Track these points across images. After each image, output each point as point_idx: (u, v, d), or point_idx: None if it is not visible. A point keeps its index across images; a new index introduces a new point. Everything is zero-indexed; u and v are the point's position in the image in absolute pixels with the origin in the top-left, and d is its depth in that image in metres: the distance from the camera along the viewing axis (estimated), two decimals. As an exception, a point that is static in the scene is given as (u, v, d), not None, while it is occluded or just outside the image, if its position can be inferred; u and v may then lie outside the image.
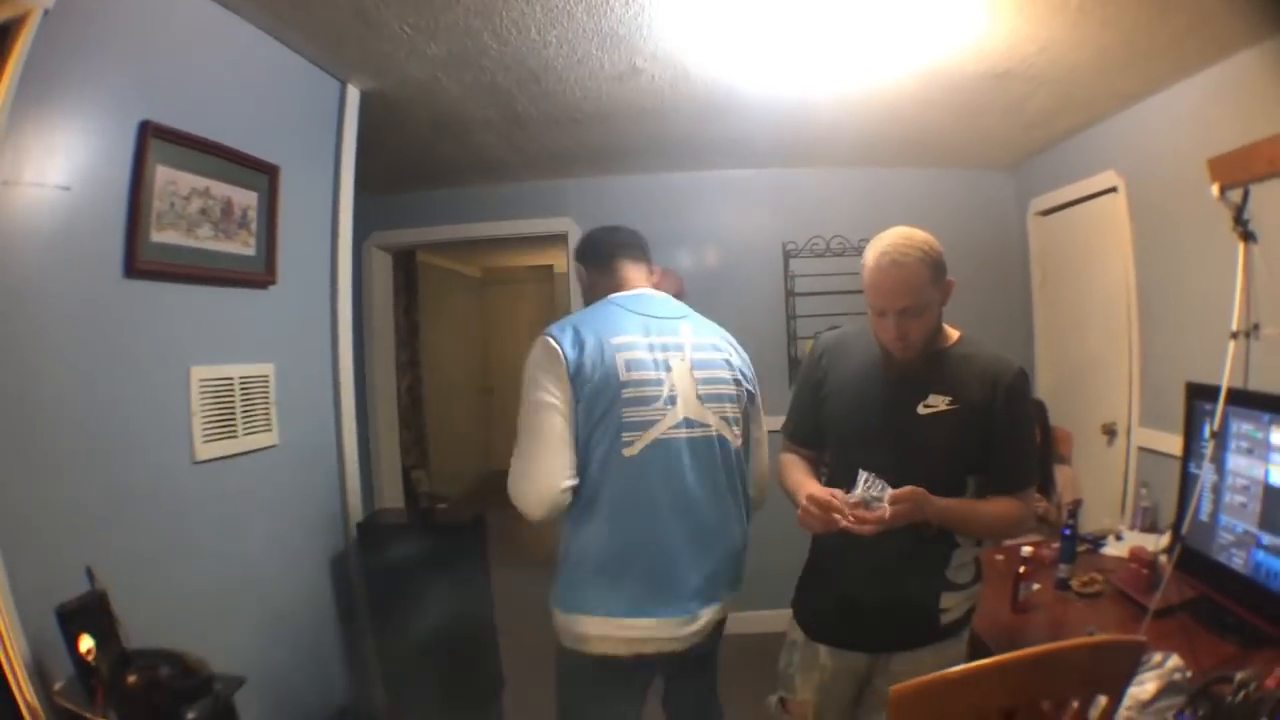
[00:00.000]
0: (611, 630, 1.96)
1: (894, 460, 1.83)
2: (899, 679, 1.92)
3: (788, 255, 4.57)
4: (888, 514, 1.71)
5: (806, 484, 1.96)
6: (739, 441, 2.14)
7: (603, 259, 2.26)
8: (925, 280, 1.79)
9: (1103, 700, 1.54)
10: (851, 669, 2.01)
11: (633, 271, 2.23)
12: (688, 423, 2.02)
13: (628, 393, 1.95)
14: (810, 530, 1.86)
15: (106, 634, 1.68)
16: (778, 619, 2.21)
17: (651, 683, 2.18)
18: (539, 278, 9.28)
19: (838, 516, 1.75)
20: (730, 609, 2.13)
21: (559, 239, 4.86)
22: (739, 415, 2.14)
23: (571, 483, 1.94)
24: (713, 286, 4.53)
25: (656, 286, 2.26)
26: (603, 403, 1.94)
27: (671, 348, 2.05)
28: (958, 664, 1.97)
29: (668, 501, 1.98)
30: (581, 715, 2.11)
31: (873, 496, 1.74)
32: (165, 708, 1.63)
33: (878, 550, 1.83)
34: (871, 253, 1.83)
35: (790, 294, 4.57)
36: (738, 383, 2.15)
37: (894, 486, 1.75)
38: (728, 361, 2.15)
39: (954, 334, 1.97)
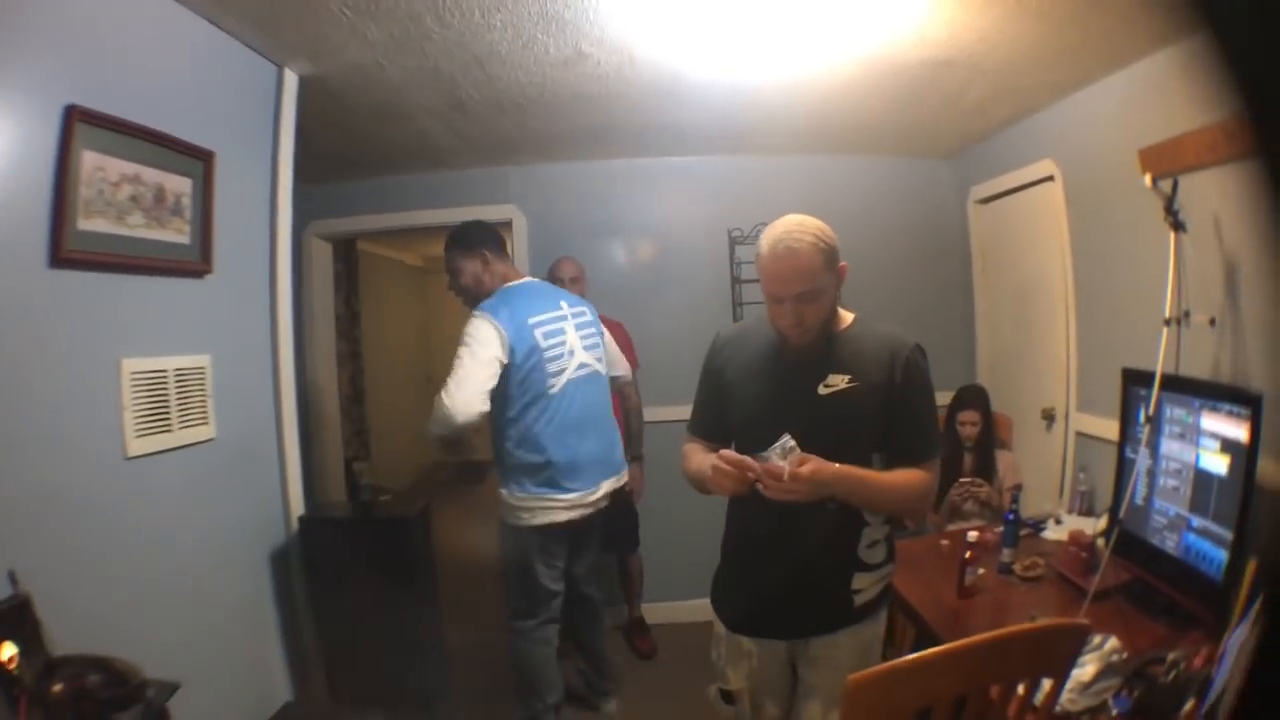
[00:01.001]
0: (547, 504, 2.92)
1: (798, 442, 1.84)
2: (817, 663, 1.97)
3: (733, 242, 4.56)
4: (786, 472, 1.71)
5: (712, 456, 1.92)
6: (606, 371, 3.22)
7: (498, 250, 3.15)
8: (819, 266, 1.81)
9: (1048, 683, 1.57)
10: (774, 655, 2.04)
11: (508, 263, 3.20)
12: (582, 365, 3.04)
13: (546, 353, 2.92)
14: (722, 491, 1.84)
15: (30, 641, 1.61)
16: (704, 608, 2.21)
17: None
18: (482, 266, 9.17)
19: (750, 475, 1.75)
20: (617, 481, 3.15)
21: (503, 227, 4.79)
22: (603, 354, 3.20)
23: (485, 408, 2.79)
24: (659, 274, 4.52)
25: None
26: (530, 363, 2.89)
27: (561, 318, 3.04)
28: (876, 646, 2.02)
29: (580, 416, 2.99)
30: (527, 569, 2.97)
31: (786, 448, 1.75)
32: (94, 717, 1.57)
33: (788, 533, 1.88)
34: (765, 241, 1.84)
35: (736, 280, 4.56)
36: (600, 334, 3.23)
37: None
38: (592, 321, 3.20)
39: (848, 317, 2.00)
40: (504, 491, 2.96)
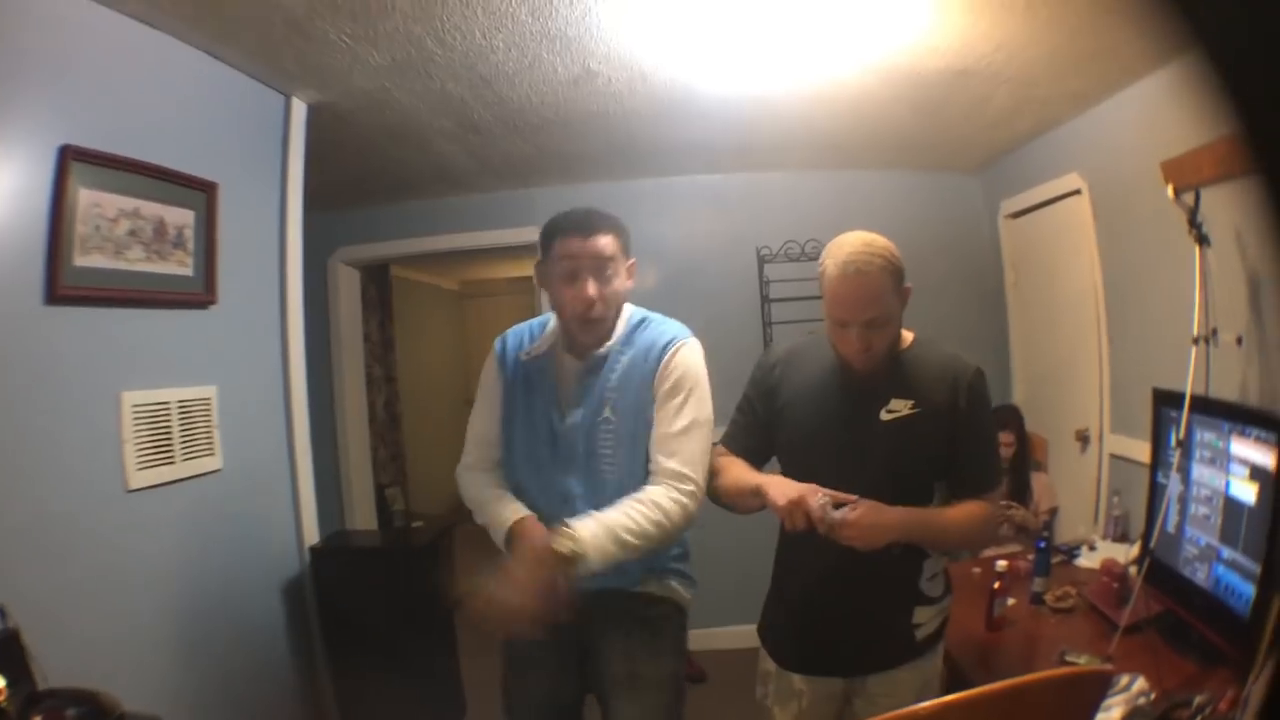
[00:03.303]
0: None
1: (858, 470, 1.76)
2: (877, 700, 1.86)
3: (762, 260, 4.49)
4: (849, 517, 1.63)
5: (763, 477, 1.84)
6: None
7: None
8: (889, 290, 1.72)
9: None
10: (829, 694, 1.93)
11: None
12: None
13: None
14: (791, 525, 1.72)
15: (18, 673, 1.61)
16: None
17: None
18: (518, 289, 9.16)
19: (820, 526, 1.67)
20: None
21: (532, 249, 4.78)
22: None
23: None
24: (687, 294, 4.46)
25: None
26: None
27: None
28: (935, 681, 1.91)
29: None
30: None
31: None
32: (71, 749, 1.55)
33: (849, 568, 1.76)
34: (832, 262, 1.74)
35: (765, 300, 4.49)
36: None
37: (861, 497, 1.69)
38: None
39: (909, 335, 1.90)
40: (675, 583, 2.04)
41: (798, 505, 1.67)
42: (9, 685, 1.55)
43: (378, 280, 6.04)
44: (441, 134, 3.51)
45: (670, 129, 3.62)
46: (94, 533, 2.02)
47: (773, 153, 4.22)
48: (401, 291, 6.85)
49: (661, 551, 1.87)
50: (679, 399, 1.85)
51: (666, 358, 1.88)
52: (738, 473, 1.91)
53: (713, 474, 1.93)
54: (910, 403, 1.80)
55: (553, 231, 1.89)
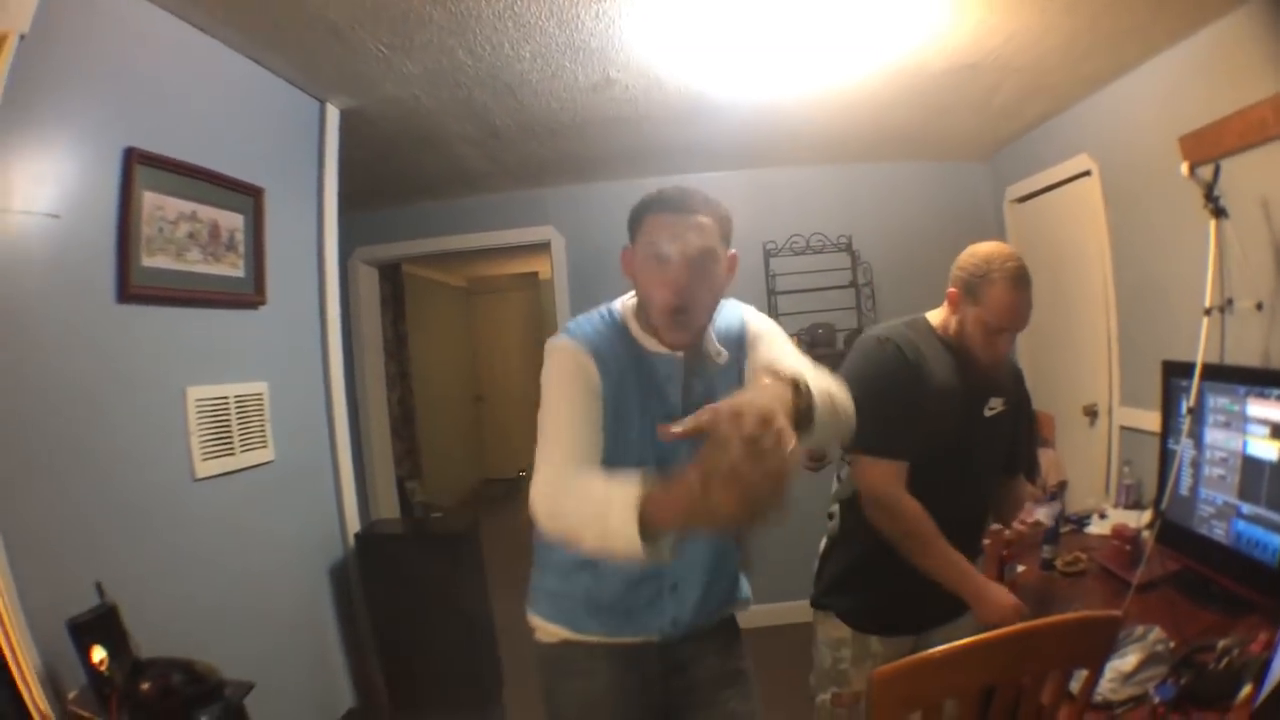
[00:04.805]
0: None
1: (966, 467, 1.94)
2: None
3: (768, 255, 4.62)
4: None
5: (982, 579, 1.90)
6: None
7: None
8: None
9: (1084, 673, 1.60)
10: (900, 652, 1.99)
11: None
12: None
13: None
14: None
15: (118, 645, 1.74)
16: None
17: None
18: (524, 285, 9.33)
19: None
20: None
21: (542, 247, 4.92)
22: None
23: None
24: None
25: None
26: None
27: None
28: (982, 628, 2.03)
29: None
30: None
31: None
32: (178, 713, 1.70)
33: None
34: (998, 272, 1.89)
35: (772, 293, 4.62)
36: None
37: (962, 493, 1.94)
38: None
39: None
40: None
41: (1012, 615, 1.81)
42: (110, 656, 1.70)
43: (391, 279, 6.16)
44: (462, 138, 3.64)
45: (682, 131, 3.75)
46: (168, 519, 2.16)
47: (779, 150, 4.34)
48: (412, 289, 6.97)
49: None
50: (779, 338, 1.68)
51: (747, 314, 1.74)
52: (955, 558, 1.92)
53: (908, 525, 1.91)
54: (1002, 400, 2.00)
55: (645, 208, 1.58)
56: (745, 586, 1.85)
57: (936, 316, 2.08)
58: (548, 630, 1.74)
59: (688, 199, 1.55)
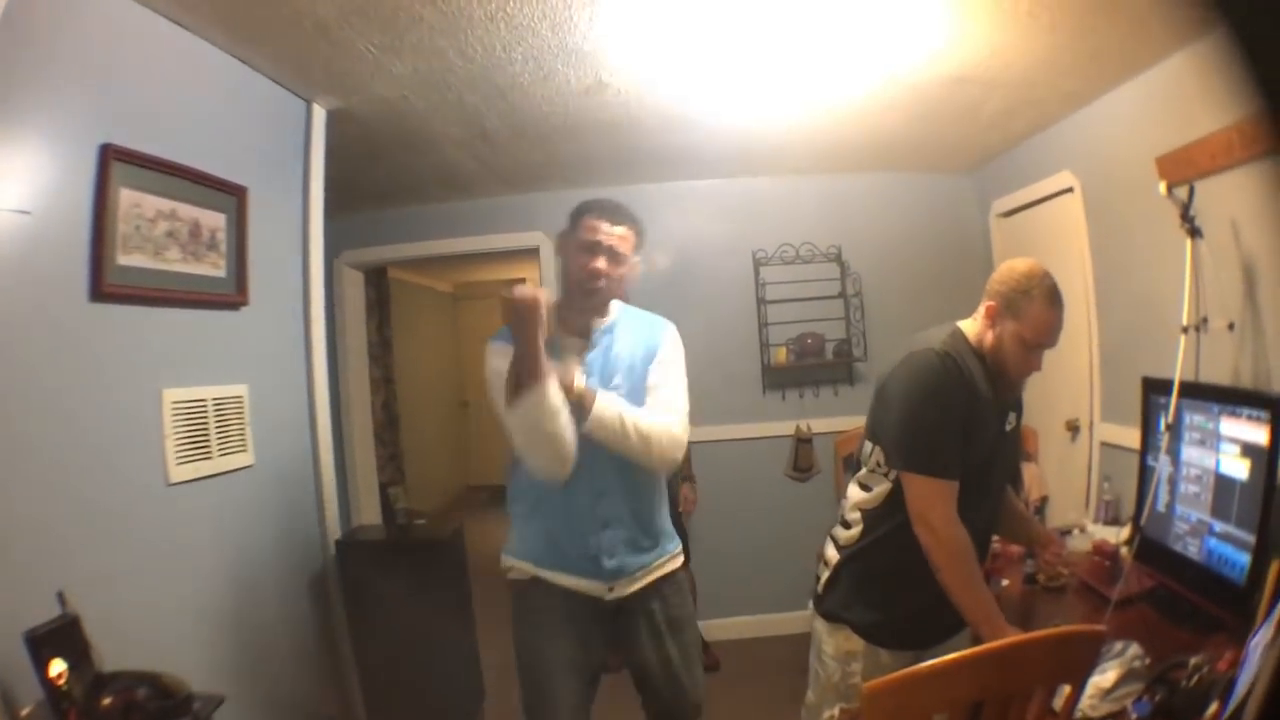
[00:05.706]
0: None
1: (988, 479, 1.97)
2: None
3: (758, 263, 4.60)
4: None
5: (1005, 625, 1.87)
6: None
7: None
8: None
9: (1066, 689, 1.59)
10: (906, 663, 2.03)
11: None
12: None
13: None
14: None
15: (79, 657, 1.67)
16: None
17: None
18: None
19: None
20: None
21: (531, 253, 4.87)
22: None
23: None
24: (685, 296, 4.54)
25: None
26: None
27: None
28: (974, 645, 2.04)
29: None
30: None
31: None
32: (143, 728, 1.63)
33: None
34: (1037, 289, 1.92)
35: (761, 302, 4.60)
36: None
37: (982, 507, 1.98)
38: None
39: None
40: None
41: None
42: (70, 669, 1.62)
43: (376, 283, 6.11)
44: (452, 141, 3.60)
45: (673, 136, 3.72)
46: (139, 524, 2.10)
47: (770, 159, 4.32)
48: (398, 294, 6.92)
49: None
50: (676, 366, 2.17)
51: (667, 334, 2.20)
52: (984, 589, 1.95)
53: (957, 560, 1.92)
54: (1015, 414, 2.05)
55: (584, 209, 2.11)
56: (676, 540, 2.27)
57: (970, 328, 2.06)
58: (519, 568, 2.13)
59: (619, 210, 2.11)
